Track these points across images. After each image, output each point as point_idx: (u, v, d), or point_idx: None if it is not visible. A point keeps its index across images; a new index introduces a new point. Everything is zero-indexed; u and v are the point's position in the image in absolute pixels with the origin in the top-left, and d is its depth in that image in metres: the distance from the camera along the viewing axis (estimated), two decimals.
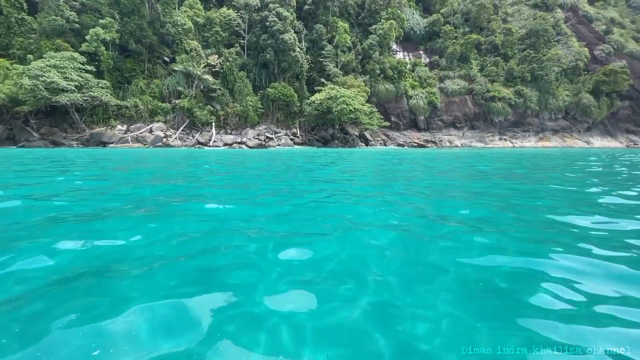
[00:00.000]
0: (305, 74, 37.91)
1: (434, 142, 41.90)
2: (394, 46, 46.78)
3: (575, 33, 55.91)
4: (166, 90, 31.55)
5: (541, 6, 58.69)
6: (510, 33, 50.64)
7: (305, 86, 37.83)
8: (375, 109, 36.66)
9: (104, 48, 28.62)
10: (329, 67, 38.07)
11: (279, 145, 31.95)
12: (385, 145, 37.65)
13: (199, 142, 29.60)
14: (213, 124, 31.81)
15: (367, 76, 40.29)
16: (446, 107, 45.21)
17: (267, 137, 32.92)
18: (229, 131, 32.92)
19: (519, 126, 48.40)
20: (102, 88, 27.56)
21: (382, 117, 37.84)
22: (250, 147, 29.93)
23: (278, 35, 34.10)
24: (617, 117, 54.07)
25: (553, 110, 49.21)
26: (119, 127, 28.90)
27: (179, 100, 31.00)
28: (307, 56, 38.63)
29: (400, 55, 47.56)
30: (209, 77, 32.64)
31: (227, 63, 33.89)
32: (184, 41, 33.01)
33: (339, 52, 39.79)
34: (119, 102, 28.90)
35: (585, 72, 51.41)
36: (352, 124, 34.86)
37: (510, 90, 46.59)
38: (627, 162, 12.96)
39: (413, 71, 45.94)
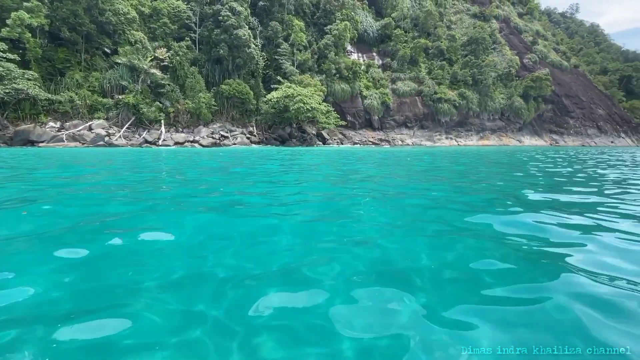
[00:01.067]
0: (261, 71, 37.29)
1: (388, 141, 43.85)
2: (349, 47, 47.92)
3: (508, 42, 62.08)
4: (108, 85, 28.97)
5: (480, 16, 64.22)
6: (454, 39, 54.66)
7: (261, 84, 37.23)
8: (331, 108, 37.31)
9: (30, 35, 25.38)
10: (285, 65, 37.87)
11: (234, 144, 31.11)
12: (342, 144, 38.52)
13: (146, 141, 27.71)
14: (162, 121, 29.96)
15: (324, 76, 40.82)
16: (398, 108, 47.50)
17: (222, 136, 31.86)
18: (180, 129, 31.26)
19: (463, 126, 52.53)
20: (29, 80, 24.48)
21: (339, 116, 38.65)
22: (203, 145, 28.75)
23: (232, 31, 33.10)
24: (542, 119, 61.21)
25: (491, 111, 54.16)
26: (51, 124, 25.94)
27: (123, 96, 28.67)
28: (263, 53, 38.03)
29: (354, 56, 48.87)
30: (157, 72, 30.66)
31: (177, 57, 32.09)
32: (128, 32, 30.60)
33: (295, 51, 39.75)
34: (50, 96, 25.86)
35: (517, 78, 57.36)
36: (309, 122, 35.12)
37: (454, 92, 50.34)
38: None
39: (367, 72, 47.51)
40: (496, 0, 70.24)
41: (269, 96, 33.80)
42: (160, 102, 30.43)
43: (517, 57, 58.62)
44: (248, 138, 33.38)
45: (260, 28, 39.56)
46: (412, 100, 48.44)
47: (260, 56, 36.89)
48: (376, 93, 45.36)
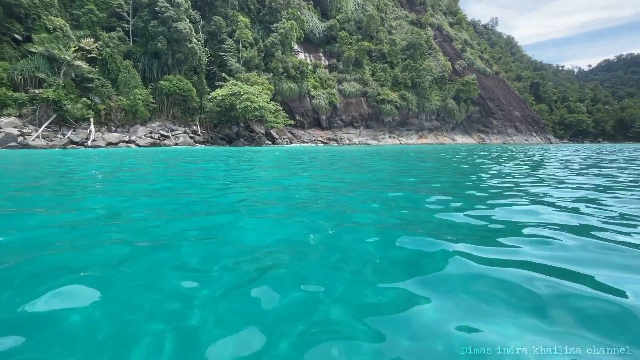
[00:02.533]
0: (204, 67, 35.63)
1: (336, 140, 45.04)
2: (296, 47, 48.08)
3: (441, 49, 67.78)
4: (20, 77, 25.16)
5: (416, 23, 69.08)
6: (394, 44, 58.03)
7: (205, 81, 35.60)
8: (280, 108, 37.13)
9: None
10: (230, 62, 36.69)
11: (176, 144, 29.31)
12: (292, 143, 38.60)
13: (72, 142, 24.73)
14: (91, 119, 26.99)
15: (271, 74, 40.40)
16: (345, 108, 49.03)
17: (162, 135, 29.81)
18: (114, 129, 28.50)
19: (404, 125, 56.13)
20: None
21: (287, 115, 38.62)
22: (141, 146, 26.61)
23: (171, 23, 31.06)
24: (472, 119, 68.10)
25: (428, 112, 58.69)
26: None
27: (41, 90, 25.18)
28: (206, 49, 36.36)
29: (302, 56, 49.19)
30: (83, 64, 27.50)
31: (108, 49, 29.14)
32: (44, 17, 26.91)
33: (240, 48, 38.70)
34: None
35: (449, 82, 62.96)
36: (257, 121, 34.53)
37: (396, 94, 53.52)
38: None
39: (314, 72, 48.16)
40: (430, 9, 76.20)
41: (213, 94, 32.44)
42: (89, 98, 27.38)
43: (449, 63, 64.31)
44: (192, 138, 31.70)
45: (203, 22, 37.77)
46: (358, 100, 50.36)
47: (204, 52, 35.25)
48: (324, 93, 46.22)
